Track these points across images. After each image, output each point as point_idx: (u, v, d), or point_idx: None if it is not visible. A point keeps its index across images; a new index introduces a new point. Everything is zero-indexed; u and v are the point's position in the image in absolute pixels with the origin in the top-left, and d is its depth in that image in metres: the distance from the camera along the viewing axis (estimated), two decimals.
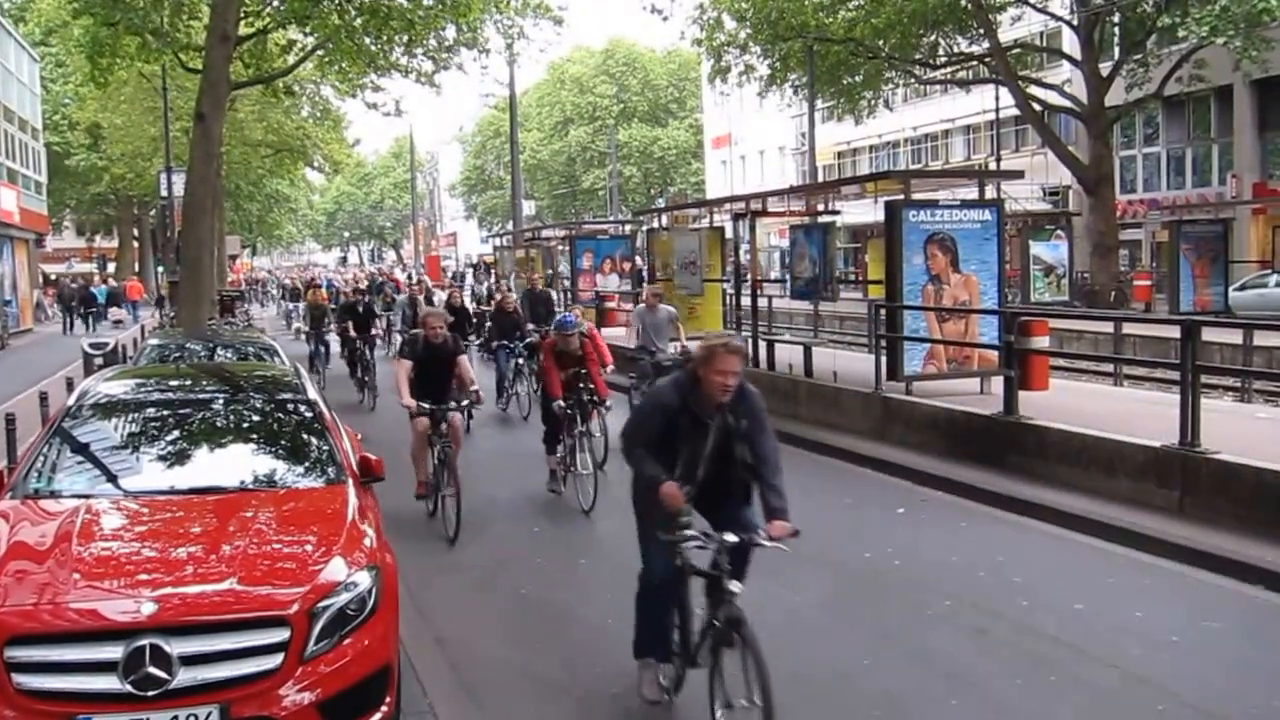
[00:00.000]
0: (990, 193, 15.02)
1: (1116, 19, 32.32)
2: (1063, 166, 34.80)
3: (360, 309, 20.43)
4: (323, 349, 21.78)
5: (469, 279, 44.55)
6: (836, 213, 18.96)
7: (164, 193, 33.77)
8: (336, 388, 19.73)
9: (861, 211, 21.26)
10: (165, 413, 6.96)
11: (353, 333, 19.58)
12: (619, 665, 6.76)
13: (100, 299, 46.82)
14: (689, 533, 5.39)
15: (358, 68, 25.72)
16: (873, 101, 38.72)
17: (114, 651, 4.58)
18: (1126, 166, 39.60)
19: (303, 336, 26.14)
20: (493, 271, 40.96)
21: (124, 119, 41.36)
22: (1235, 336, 18.98)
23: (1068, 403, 12.28)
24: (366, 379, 19.04)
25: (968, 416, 11.93)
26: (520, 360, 17.00)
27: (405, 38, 24.26)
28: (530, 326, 17.48)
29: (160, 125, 34.07)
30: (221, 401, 7.28)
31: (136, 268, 61.21)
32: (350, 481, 6.30)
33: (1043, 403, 11.65)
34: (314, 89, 41.01)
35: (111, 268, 64.25)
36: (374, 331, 20.33)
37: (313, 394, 7.40)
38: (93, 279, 57.95)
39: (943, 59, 36.31)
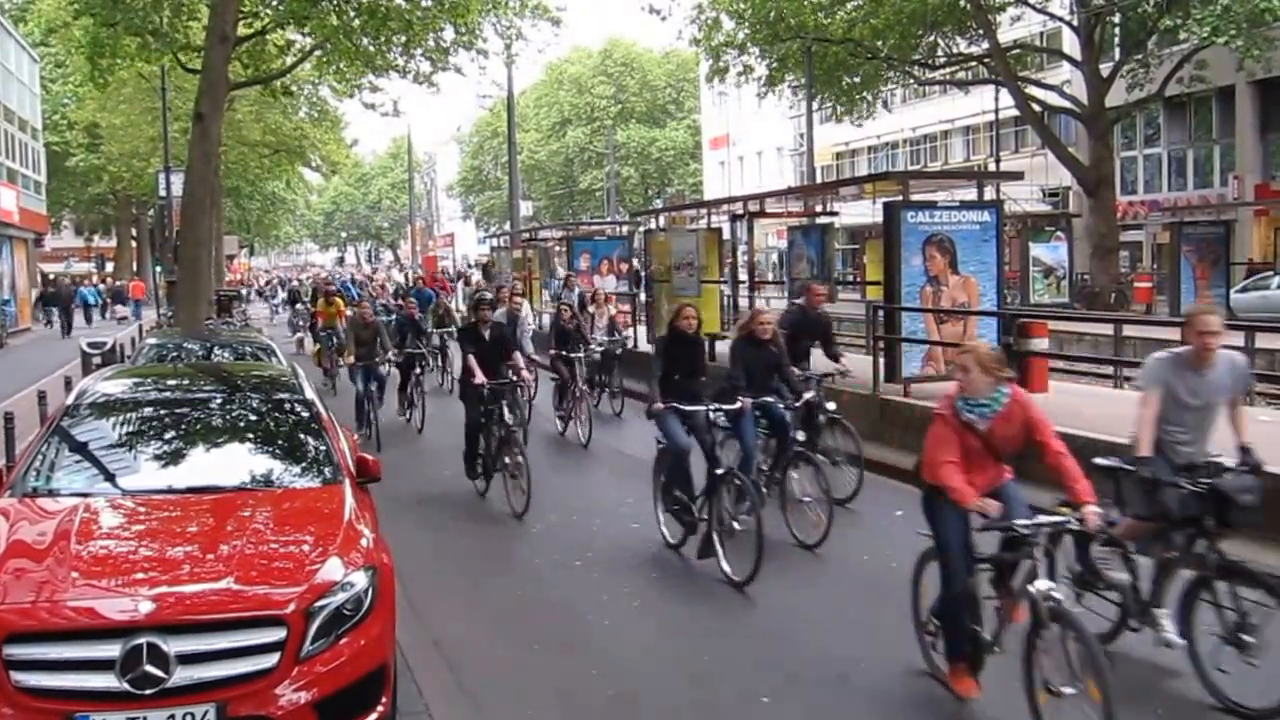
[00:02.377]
0: (989, 194, 15.02)
1: (1117, 19, 32.32)
2: (1063, 167, 34.80)
3: (487, 331, 11.82)
4: (374, 389, 15.17)
5: (477, 279, 36.92)
6: (835, 214, 18.95)
7: (162, 193, 33.77)
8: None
9: (860, 213, 21.27)
10: (163, 412, 6.97)
11: (478, 376, 11.25)
12: (616, 665, 6.77)
13: (91, 300, 46.69)
14: None
15: (355, 68, 25.78)
16: (871, 102, 38.71)
17: (111, 650, 4.59)
18: (1127, 167, 39.61)
19: (324, 367, 21.38)
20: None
21: (123, 119, 41.41)
22: (1237, 339, 18.95)
23: (1067, 405, 12.25)
24: (509, 459, 10.97)
25: None
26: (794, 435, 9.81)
27: (403, 39, 24.28)
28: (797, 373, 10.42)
29: (159, 125, 34.09)
30: (219, 401, 7.29)
31: (135, 267, 61.24)
32: (347, 481, 6.30)
33: (1042, 405, 11.56)
34: (312, 89, 41.03)
35: (110, 267, 64.32)
36: (516, 375, 11.99)
37: (309, 394, 7.41)
38: (90, 278, 58.02)
39: (942, 59, 36.30)
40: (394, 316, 19.66)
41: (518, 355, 12.19)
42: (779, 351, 9.86)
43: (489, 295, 12.91)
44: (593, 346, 16.24)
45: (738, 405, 9.06)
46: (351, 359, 15.23)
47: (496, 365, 11.68)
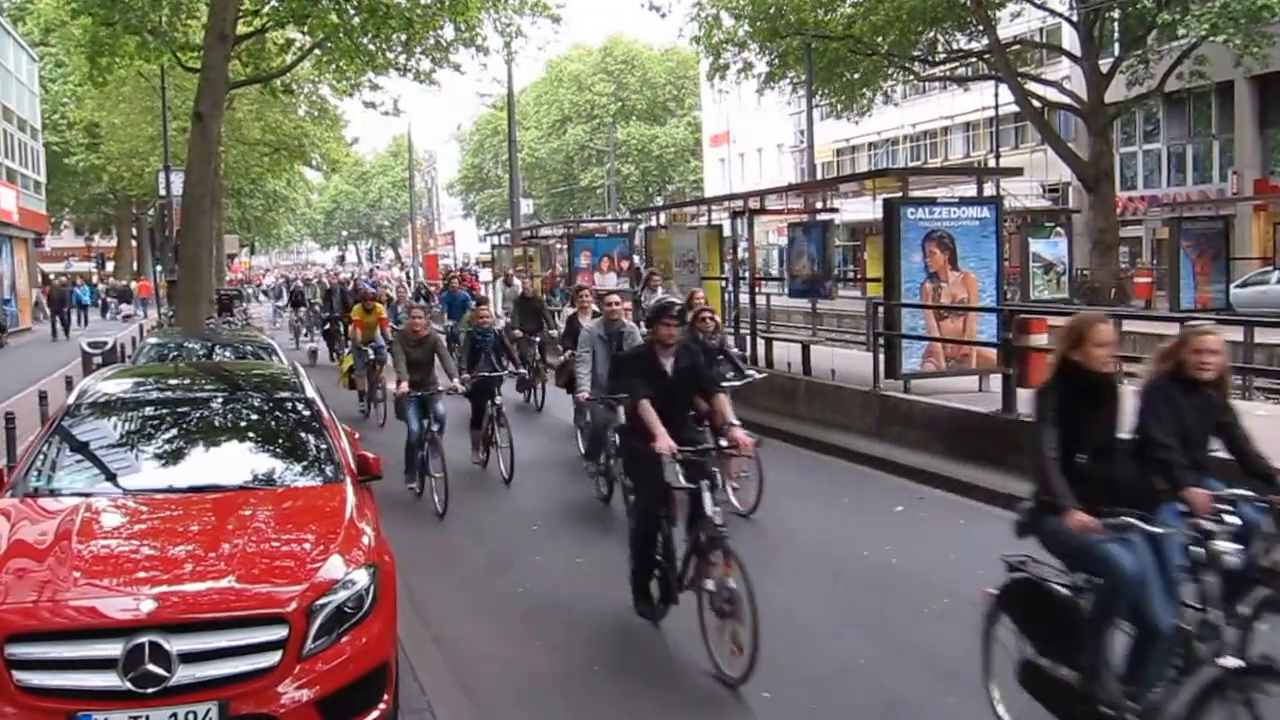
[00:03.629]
0: (989, 190, 15.04)
1: (1116, 15, 32.31)
2: (1062, 163, 34.77)
3: (670, 361, 7.25)
4: (435, 428, 11.09)
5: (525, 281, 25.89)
6: (835, 210, 18.97)
7: (162, 192, 33.76)
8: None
9: (860, 209, 21.32)
10: (164, 411, 6.98)
11: (661, 439, 6.70)
12: (617, 662, 6.78)
13: (85, 300, 46.54)
14: None
15: (355, 67, 25.72)
16: (871, 98, 38.69)
17: (113, 649, 4.60)
18: (1127, 163, 39.61)
19: (360, 390, 17.61)
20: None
21: (122, 118, 41.42)
22: (1236, 334, 18.99)
23: None
24: (712, 582, 6.49)
25: (966, 414, 11.94)
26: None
27: (403, 37, 24.25)
28: None
29: (158, 124, 34.09)
30: (220, 400, 7.32)
31: (135, 267, 61.25)
32: (348, 480, 6.31)
33: None
34: (312, 88, 41.02)
35: (110, 267, 64.34)
36: (726, 438, 7.21)
37: (310, 392, 7.41)
38: (91, 278, 58.00)
39: (942, 56, 36.29)
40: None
41: (723, 401, 7.42)
42: (1221, 399, 5.52)
43: (675, 302, 7.75)
44: (750, 373, 11.59)
45: (1234, 521, 4.91)
46: (404, 387, 11.05)
47: (684, 418, 7.41)
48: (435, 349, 11.64)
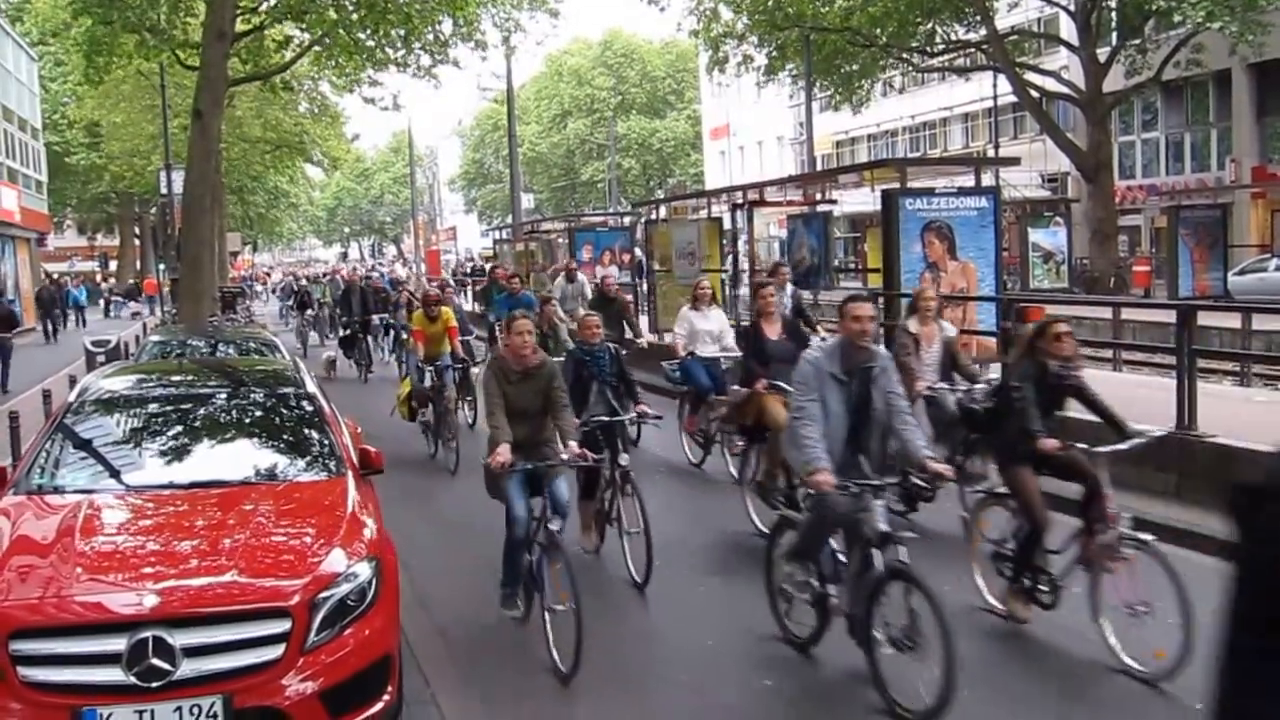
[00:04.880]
0: (988, 180, 15.06)
1: (1113, 4, 32.30)
2: (1061, 153, 34.80)
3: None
4: (553, 523, 6.70)
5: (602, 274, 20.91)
6: (834, 202, 19.00)
7: (164, 190, 33.81)
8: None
9: (861, 200, 21.31)
10: (166, 408, 7.02)
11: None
12: (620, 657, 6.81)
13: (82, 300, 46.45)
14: None
15: (354, 63, 25.77)
16: (869, 90, 38.70)
17: (117, 644, 4.64)
18: (1125, 152, 39.61)
19: (425, 422, 13.40)
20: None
21: (123, 117, 41.47)
22: (1234, 320, 19.04)
23: None
24: None
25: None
26: None
27: (402, 32, 24.28)
28: None
29: (159, 122, 34.13)
30: (222, 396, 7.34)
31: (138, 265, 61.31)
32: (350, 474, 6.33)
33: None
34: (311, 85, 41.05)
35: (113, 266, 64.42)
36: None
37: (311, 387, 7.43)
38: (94, 277, 58.06)
39: (940, 46, 36.29)
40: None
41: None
42: None
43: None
44: (1141, 428, 7.11)
45: None
46: (506, 454, 6.69)
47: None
48: (550, 387, 7.18)
